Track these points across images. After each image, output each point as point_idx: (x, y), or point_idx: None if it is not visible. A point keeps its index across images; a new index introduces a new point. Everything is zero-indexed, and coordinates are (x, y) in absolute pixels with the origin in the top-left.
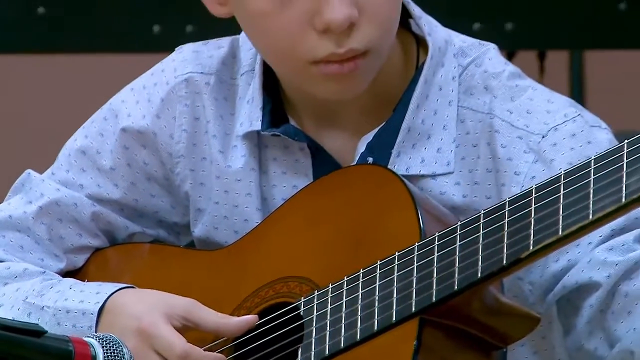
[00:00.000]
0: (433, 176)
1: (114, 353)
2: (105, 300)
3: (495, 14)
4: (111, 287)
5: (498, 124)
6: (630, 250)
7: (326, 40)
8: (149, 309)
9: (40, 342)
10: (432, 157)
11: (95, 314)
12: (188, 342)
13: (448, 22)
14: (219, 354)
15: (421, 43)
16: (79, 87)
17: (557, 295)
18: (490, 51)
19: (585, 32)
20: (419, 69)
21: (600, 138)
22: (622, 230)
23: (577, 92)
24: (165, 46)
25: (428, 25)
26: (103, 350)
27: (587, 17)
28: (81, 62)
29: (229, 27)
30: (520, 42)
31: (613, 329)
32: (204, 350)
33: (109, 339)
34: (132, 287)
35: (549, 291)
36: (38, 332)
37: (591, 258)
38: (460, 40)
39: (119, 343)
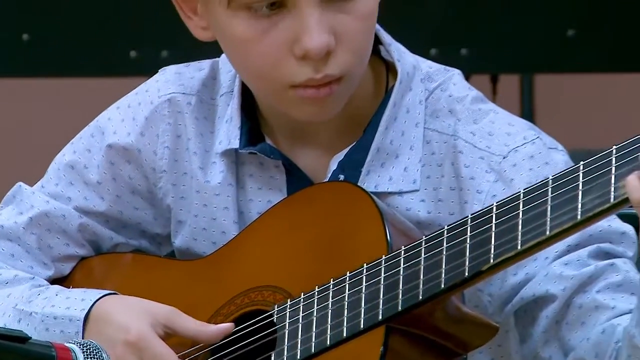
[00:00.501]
0: (400, 193)
1: (95, 358)
2: (91, 307)
3: (450, 40)
4: (95, 293)
5: (462, 145)
6: (585, 265)
7: (304, 66)
8: (136, 320)
9: (25, 348)
10: (400, 175)
11: (82, 321)
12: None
13: (407, 47)
14: None
15: (391, 68)
16: (63, 108)
17: (515, 306)
18: (455, 76)
19: (535, 57)
20: (388, 93)
21: (557, 159)
22: (577, 247)
23: (528, 113)
24: (141, 70)
25: (397, 51)
26: (84, 355)
27: (537, 42)
28: (64, 85)
29: (201, 52)
30: (474, 66)
31: (567, 338)
32: (182, 355)
33: (90, 345)
34: (116, 294)
35: (507, 302)
36: (23, 338)
37: (548, 272)
38: (427, 65)
39: (99, 349)
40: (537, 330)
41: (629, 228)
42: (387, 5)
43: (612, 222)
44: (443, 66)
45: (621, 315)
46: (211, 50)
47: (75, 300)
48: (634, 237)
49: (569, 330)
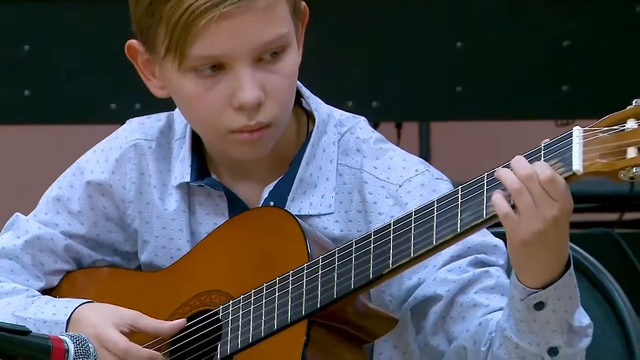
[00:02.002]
0: (318, 216)
1: (82, 347)
2: (72, 313)
3: (363, 94)
4: (76, 302)
5: (367, 177)
6: (465, 271)
7: (240, 115)
8: (102, 319)
9: (26, 339)
10: (318, 201)
11: (65, 323)
12: (132, 341)
13: (328, 99)
14: (152, 351)
15: (310, 116)
16: (55, 150)
17: (410, 304)
18: (361, 122)
19: (431, 108)
20: (308, 136)
21: (442, 188)
22: (459, 257)
23: (425, 152)
24: (119, 119)
25: (315, 103)
26: (74, 345)
27: (432, 96)
28: (56, 131)
29: (166, 105)
30: (383, 115)
31: (451, 330)
32: (145, 346)
33: (79, 337)
34: (92, 302)
35: (404, 301)
36: (24, 332)
37: (435, 277)
38: (339, 114)
39: (86, 340)
40: (427, 324)
41: (500, 242)
42: (313, 66)
43: (487, 237)
44: (352, 114)
45: (494, 311)
46: (173, 103)
47: (60, 308)
48: (503, 249)
49: (452, 324)
